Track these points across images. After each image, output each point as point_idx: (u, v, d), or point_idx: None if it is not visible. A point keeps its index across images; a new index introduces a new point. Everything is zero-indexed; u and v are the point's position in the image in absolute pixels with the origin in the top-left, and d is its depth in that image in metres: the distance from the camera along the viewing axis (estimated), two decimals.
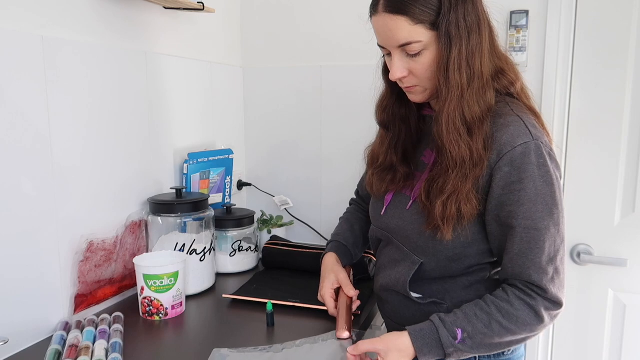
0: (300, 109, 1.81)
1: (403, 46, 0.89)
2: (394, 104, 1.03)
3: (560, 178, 0.92)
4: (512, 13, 1.50)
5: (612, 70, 1.48)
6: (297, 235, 1.84)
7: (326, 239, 1.74)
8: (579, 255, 1.56)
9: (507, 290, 0.90)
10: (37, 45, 1.04)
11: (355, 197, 1.35)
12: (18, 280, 1.03)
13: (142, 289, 1.16)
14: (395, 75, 0.93)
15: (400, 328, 1.04)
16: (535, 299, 0.87)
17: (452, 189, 0.89)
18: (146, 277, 1.15)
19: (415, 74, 0.92)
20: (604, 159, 1.52)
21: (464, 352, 0.89)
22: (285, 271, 1.50)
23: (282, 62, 1.81)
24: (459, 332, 0.88)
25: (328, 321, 1.14)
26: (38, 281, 1.07)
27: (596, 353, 1.60)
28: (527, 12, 1.49)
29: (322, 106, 1.78)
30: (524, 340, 0.91)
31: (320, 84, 1.76)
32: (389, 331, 1.11)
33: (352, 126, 1.73)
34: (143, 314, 1.18)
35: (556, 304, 0.88)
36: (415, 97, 0.97)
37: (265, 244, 1.57)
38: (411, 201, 0.99)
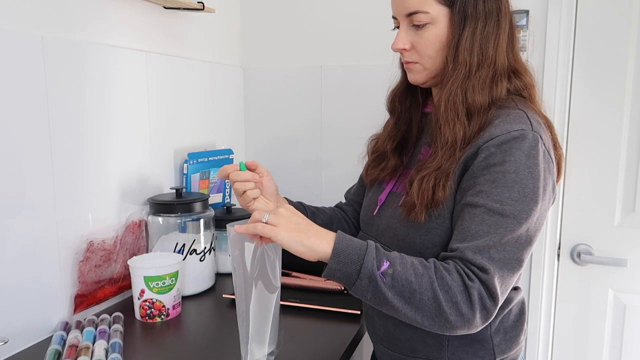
0: (300, 109, 1.81)
1: (410, 15, 0.87)
2: (402, 93, 1.02)
3: (553, 188, 0.86)
4: (512, 13, 1.50)
5: (612, 70, 1.48)
6: None
7: None
8: (579, 255, 1.56)
9: (449, 262, 0.79)
10: (37, 45, 1.04)
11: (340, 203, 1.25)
12: (18, 281, 1.03)
13: (142, 291, 1.16)
14: (396, 44, 0.91)
15: (397, 356, 0.97)
16: (473, 280, 0.76)
17: (435, 166, 0.85)
18: (147, 280, 1.15)
19: (418, 49, 0.90)
20: (604, 159, 1.52)
21: (373, 289, 0.77)
22: (285, 271, 1.50)
23: (282, 62, 1.81)
24: (386, 264, 0.78)
25: (329, 321, 1.14)
26: (38, 281, 1.07)
27: (596, 353, 1.60)
28: (527, 12, 1.49)
29: (322, 106, 1.78)
30: (437, 322, 0.77)
31: (320, 84, 1.76)
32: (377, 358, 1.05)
33: (352, 126, 1.72)
34: (142, 317, 1.17)
35: (492, 294, 0.76)
36: (414, 75, 0.94)
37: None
38: (404, 197, 0.93)
